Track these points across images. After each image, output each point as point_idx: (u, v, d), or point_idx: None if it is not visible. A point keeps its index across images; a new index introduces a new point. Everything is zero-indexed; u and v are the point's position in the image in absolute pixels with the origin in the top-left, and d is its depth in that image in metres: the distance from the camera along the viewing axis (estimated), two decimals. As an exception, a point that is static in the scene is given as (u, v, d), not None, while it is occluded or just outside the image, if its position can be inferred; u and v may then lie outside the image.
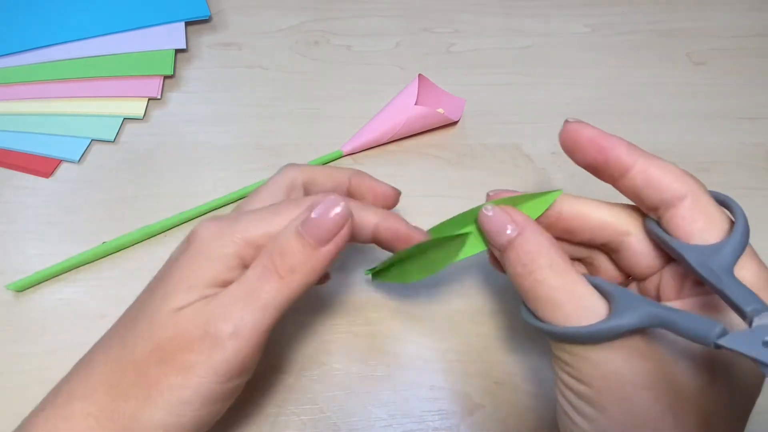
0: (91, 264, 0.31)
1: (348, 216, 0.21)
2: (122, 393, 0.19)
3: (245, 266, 0.21)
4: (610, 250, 0.23)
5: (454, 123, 0.37)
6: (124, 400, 0.19)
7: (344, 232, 0.21)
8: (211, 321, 0.19)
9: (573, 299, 0.19)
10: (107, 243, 0.31)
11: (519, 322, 0.29)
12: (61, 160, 0.35)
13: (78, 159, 0.35)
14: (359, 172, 0.27)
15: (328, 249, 0.21)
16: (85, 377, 0.20)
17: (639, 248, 0.22)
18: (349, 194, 0.27)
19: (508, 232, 0.21)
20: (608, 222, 0.23)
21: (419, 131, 0.36)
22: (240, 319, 0.20)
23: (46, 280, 0.30)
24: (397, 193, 0.28)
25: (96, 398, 0.19)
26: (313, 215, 0.20)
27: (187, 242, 0.21)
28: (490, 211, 0.22)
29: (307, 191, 0.26)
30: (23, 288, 0.29)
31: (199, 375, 0.19)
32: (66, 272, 0.30)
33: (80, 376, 0.20)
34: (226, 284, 0.20)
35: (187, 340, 0.19)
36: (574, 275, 0.20)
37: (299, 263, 0.20)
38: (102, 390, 0.19)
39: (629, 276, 0.23)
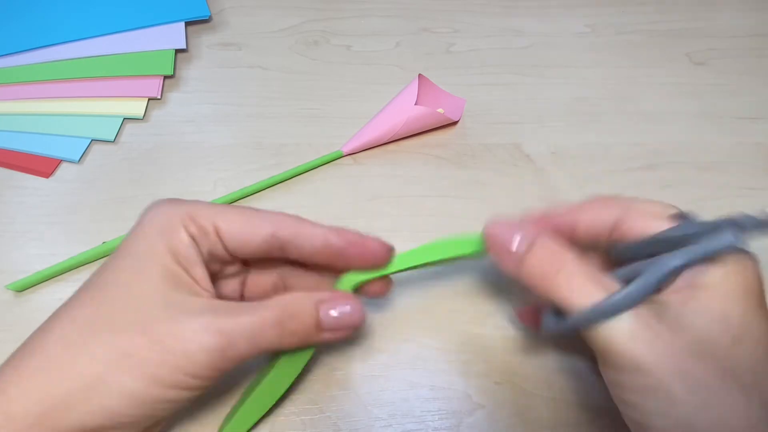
0: (92, 264, 0.31)
1: (360, 325, 0.23)
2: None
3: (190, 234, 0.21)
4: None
5: (454, 123, 0.37)
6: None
7: (346, 334, 0.23)
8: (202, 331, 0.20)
9: (598, 283, 0.20)
10: (107, 243, 0.31)
11: (518, 323, 0.29)
12: (61, 160, 0.35)
13: (78, 159, 0.35)
14: (339, 228, 0.23)
15: (326, 337, 0.22)
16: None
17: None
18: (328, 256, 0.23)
19: (515, 248, 0.22)
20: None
21: (419, 131, 0.36)
22: (232, 342, 0.20)
23: (46, 280, 0.30)
24: (389, 250, 0.24)
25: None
26: (336, 308, 0.22)
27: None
28: (492, 227, 0.23)
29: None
30: (23, 288, 0.29)
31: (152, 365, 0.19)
32: (66, 272, 0.30)
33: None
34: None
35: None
36: (594, 267, 0.21)
37: (301, 334, 0.22)
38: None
39: None
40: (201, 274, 0.21)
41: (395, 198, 0.34)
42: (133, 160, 0.35)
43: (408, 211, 0.33)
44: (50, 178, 0.34)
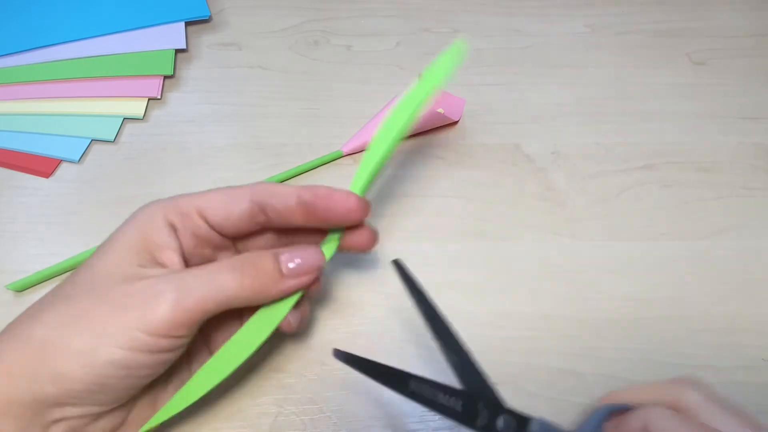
0: None
1: (320, 270, 0.23)
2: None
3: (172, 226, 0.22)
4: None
5: (454, 123, 0.37)
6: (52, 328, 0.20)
7: (309, 278, 0.23)
8: (162, 285, 0.20)
9: None
10: None
11: (518, 323, 0.29)
12: (61, 160, 0.35)
13: (78, 159, 0.35)
14: (309, 186, 0.23)
15: (290, 283, 0.23)
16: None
17: None
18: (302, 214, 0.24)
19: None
20: None
21: (419, 131, 0.36)
22: (187, 291, 0.20)
23: (46, 280, 0.30)
24: (357, 199, 0.23)
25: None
26: (295, 252, 0.23)
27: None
28: None
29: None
30: (23, 288, 0.29)
31: (130, 321, 0.20)
32: (66, 272, 0.30)
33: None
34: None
35: (132, 292, 0.20)
36: None
37: (261, 278, 0.22)
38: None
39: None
40: (172, 257, 0.22)
41: (395, 198, 0.34)
42: (133, 160, 0.35)
43: (408, 211, 0.33)
44: (50, 178, 0.34)
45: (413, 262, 0.31)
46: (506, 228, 0.33)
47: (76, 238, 0.31)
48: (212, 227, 0.23)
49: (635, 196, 0.34)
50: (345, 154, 0.35)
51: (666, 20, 0.44)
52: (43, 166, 0.34)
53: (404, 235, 0.32)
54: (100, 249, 0.22)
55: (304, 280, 0.23)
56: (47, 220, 0.32)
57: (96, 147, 0.35)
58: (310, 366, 0.28)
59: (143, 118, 0.37)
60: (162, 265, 0.22)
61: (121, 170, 0.34)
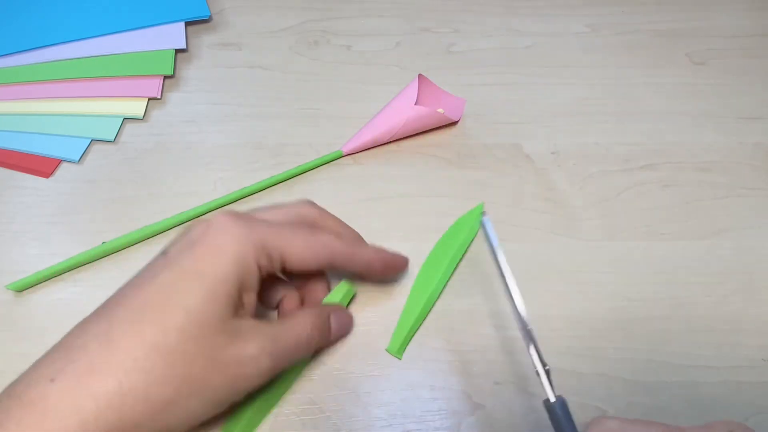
0: (91, 264, 0.31)
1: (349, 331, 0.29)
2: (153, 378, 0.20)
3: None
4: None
5: (454, 123, 0.37)
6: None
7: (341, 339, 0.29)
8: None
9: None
10: (107, 243, 0.31)
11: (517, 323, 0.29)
12: (61, 160, 0.35)
13: (78, 159, 0.35)
14: (358, 244, 0.27)
15: (331, 343, 0.28)
16: (108, 349, 0.20)
17: None
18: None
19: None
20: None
21: (419, 131, 0.36)
22: (278, 360, 0.23)
23: (46, 280, 0.30)
24: (405, 262, 0.29)
25: (123, 376, 0.19)
26: (342, 322, 0.28)
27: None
28: None
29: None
30: (23, 288, 0.29)
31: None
32: (66, 272, 0.30)
33: (101, 346, 0.20)
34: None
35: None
36: None
37: (321, 344, 0.27)
38: (129, 367, 0.19)
39: None
40: (252, 299, 0.23)
41: (395, 198, 0.34)
42: (133, 160, 0.35)
43: (408, 211, 0.33)
44: (50, 178, 0.34)
45: (413, 262, 0.31)
46: (506, 228, 0.33)
47: (76, 238, 0.31)
48: (282, 270, 0.24)
49: (635, 196, 0.34)
50: (345, 154, 0.35)
51: (666, 20, 0.44)
52: (43, 166, 0.34)
53: (404, 235, 0.32)
54: (194, 282, 0.21)
55: (338, 341, 0.28)
56: (47, 220, 0.32)
57: (96, 147, 0.35)
58: (310, 366, 0.28)
59: (143, 118, 0.37)
60: (244, 307, 0.23)
61: (121, 170, 0.34)
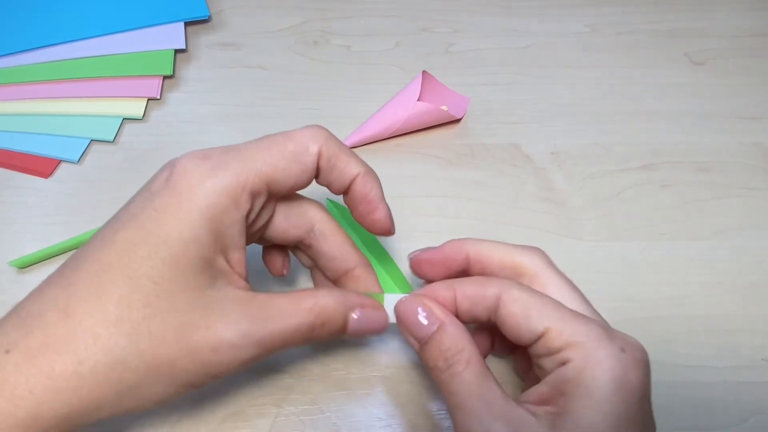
0: None
1: (382, 332, 0.23)
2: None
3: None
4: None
5: (454, 122, 0.37)
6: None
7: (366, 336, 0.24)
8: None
9: (491, 409, 0.19)
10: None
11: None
12: (61, 161, 0.35)
13: (77, 159, 0.35)
14: (369, 176, 0.23)
15: (346, 336, 0.22)
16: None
17: (511, 310, 0.21)
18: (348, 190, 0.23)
19: (426, 323, 0.21)
20: (506, 263, 0.23)
21: (422, 127, 0.36)
22: (268, 345, 0.19)
23: (48, 258, 0.30)
24: (390, 226, 0.24)
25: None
26: (365, 314, 0.22)
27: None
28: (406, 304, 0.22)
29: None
30: (25, 265, 0.30)
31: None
32: (69, 251, 0.31)
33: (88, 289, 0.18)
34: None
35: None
36: (492, 379, 0.20)
37: (328, 333, 0.21)
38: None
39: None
40: (238, 258, 0.20)
41: (395, 198, 0.34)
42: (133, 160, 0.35)
43: (408, 211, 0.33)
44: (49, 179, 0.34)
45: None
46: (506, 228, 0.33)
47: (75, 238, 0.31)
48: (270, 196, 0.21)
49: (635, 196, 0.34)
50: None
51: (666, 20, 0.44)
52: (43, 167, 0.34)
53: (404, 235, 0.32)
54: (160, 247, 0.18)
55: (360, 337, 0.23)
56: (46, 220, 0.32)
57: (95, 147, 0.35)
58: (309, 366, 0.28)
59: (142, 119, 0.37)
60: (231, 271, 0.20)
61: (121, 170, 0.34)
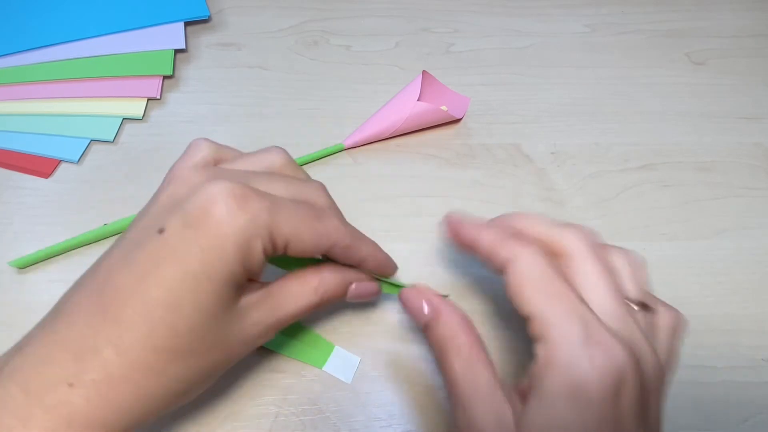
0: (94, 244, 0.31)
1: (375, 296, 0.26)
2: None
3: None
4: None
5: (454, 122, 0.37)
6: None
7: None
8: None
9: (476, 395, 0.20)
10: (109, 225, 0.31)
11: (517, 323, 0.29)
12: (60, 161, 0.35)
13: (77, 159, 0.35)
14: (358, 239, 0.24)
15: (346, 299, 0.25)
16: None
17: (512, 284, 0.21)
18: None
19: (426, 312, 0.24)
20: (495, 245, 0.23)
21: (422, 127, 0.36)
22: (279, 322, 0.22)
23: (48, 258, 0.30)
24: (395, 269, 0.27)
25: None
26: (362, 285, 0.25)
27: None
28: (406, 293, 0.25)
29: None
30: (25, 265, 0.30)
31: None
32: (68, 251, 0.31)
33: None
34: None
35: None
36: (481, 367, 0.21)
37: (329, 301, 0.24)
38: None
39: None
40: (256, 277, 0.22)
41: (395, 198, 0.34)
42: (133, 160, 0.35)
43: (408, 211, 0.33)
44: (49, 179, 0.34)
45: (413, 262, 0.31)
46: (506, 228, 0.33)
47: (75, 238, 0.31)
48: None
49: (635, 196, 0.34)
50: (346, 147, 0.35)
51: (666, 20, 0.44)
52: (42, 167, 0.34)
53: (404, 235, 0.32)
54: (198, 278, 0.19)
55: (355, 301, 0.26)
56: (46, 220, 0.32)
57: (95, 147, 0.35)
58: (309, 366, 0.28)
59: (142, 119, 0.37)
60: (246, 287, 0.21)
61: (121, 170, 0.34)
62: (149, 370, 0.19)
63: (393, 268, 0.27)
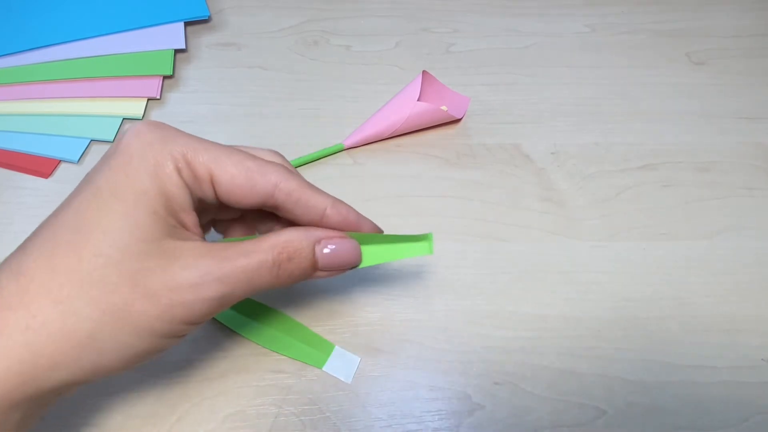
0: None
1: (355, 264, 0.22)
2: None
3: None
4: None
5: (455, 122, 0.37)
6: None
7: (340, 272, 0.22)
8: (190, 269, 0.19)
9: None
10: None
11: (517, 324, 0.29)
12: (61, 161, 0.35)
13: (77, 159, 0.35)
14: (339, 204, 0.22)
15: (320, 275, 0.22)
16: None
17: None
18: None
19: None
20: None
21: (422, 127, 0.36)
22: (229, 287, 0.19)
23: None
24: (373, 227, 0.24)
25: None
26: (333, 247, 0.21)
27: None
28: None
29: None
30: None
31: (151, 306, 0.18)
32: None
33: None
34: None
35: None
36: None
37: (296, 275, 0.21)
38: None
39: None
40: (191, 220, 0.20)
41: (395, 198, 0.34)
42: (133, 160, 0.35)
43: (408, 211, 0.33)
44: (49, 179, 0.34)
45: (413, 262, 0.31)
46: (506, 228, 0.33)
47: (75, 238, 0.31)
48: (217, 198, 0.21)
49: (635, 196, 0.34)
50: (346, 147, 0.35)
51: (666, 20, 0.44)
52: (43, 167, 0.34)
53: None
54: (110, 200, 0.18)
55: (334, 275, 0.22)
56: (47, 220, 0.32)
57: (95, 147, 0.35)
58: (309, 366, 0.28)
59: (142, 119, 0.37)
60: (186, 230, 0.20)
61: (121, 170, 0.34)
62: (47, 295, 0.17)
63: (367, 223, 0.23)
